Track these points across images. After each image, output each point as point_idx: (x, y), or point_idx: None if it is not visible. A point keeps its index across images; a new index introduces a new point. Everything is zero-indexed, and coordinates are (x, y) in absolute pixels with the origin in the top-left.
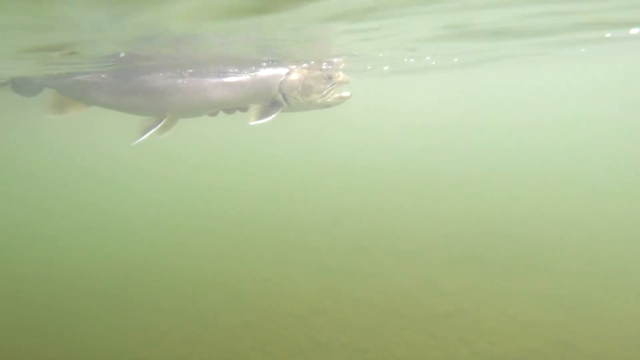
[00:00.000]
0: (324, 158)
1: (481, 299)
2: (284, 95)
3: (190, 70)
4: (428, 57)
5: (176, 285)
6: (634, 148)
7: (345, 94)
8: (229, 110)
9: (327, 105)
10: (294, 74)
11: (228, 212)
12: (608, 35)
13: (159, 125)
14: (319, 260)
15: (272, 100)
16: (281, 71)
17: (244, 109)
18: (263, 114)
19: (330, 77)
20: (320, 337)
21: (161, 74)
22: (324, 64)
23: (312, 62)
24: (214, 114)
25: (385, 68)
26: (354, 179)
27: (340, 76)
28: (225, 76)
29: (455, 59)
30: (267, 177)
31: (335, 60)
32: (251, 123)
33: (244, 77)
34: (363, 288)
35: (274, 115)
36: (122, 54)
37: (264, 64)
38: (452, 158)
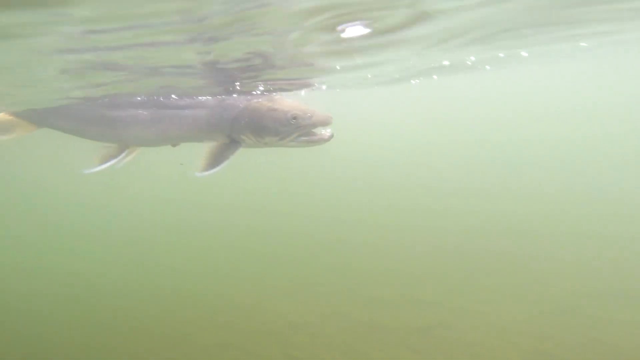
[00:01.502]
0: (304, 169)
1: (464, 309)
2: (237, 134)
3: (153, 99)
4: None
5: (145, 303)
6: (622, 153)
7: (325, 134)
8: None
9: (297, 146)
10: (249, 110)
11: (201, 225)
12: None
13: (121, 157)
14: (299, 273)
15: (229, 138)
16: (238, 104)
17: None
18: (215, 158)
19: (295, 118)
20: (299, 354)
21: (120, 104)
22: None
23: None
24: (174, 145)
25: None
26: (334, 192)
27: (314, 117)
28: (183, 109)
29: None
30: (242, 189)
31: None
32: (197, 174)
33: (199, 111)
34: (344, 301)
35: (227, 162)
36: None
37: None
38: (433, 170)
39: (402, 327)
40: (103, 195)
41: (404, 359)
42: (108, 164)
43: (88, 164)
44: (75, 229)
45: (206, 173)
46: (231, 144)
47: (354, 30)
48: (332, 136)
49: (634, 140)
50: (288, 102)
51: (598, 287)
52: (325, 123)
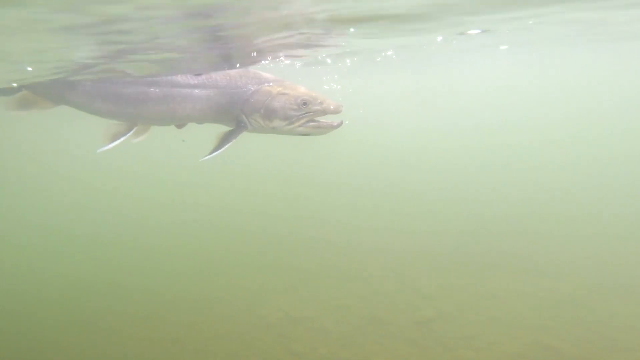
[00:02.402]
0: (301, 156)
1: (464, 302)
2: (246, 116)
3: (164, 77)
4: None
5: (142, 297)
6: (624, 148)
7: (334, 122)
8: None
9: (303, 134)
10: (260, 93)
11: (197, 221)
12: None
13: (130, 134)
14: (298, 265)
15: (236, 120)
16: (249, 87)
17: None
18: (219, 142)
19: (305, 103)
20: (298, 347)
21: (133, 80)
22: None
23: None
24: (180, 126)
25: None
26: (334, 186)
27: (324, 104)
28: (194, 88)
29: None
30: (239, 183)
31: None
32: (201, 159)
33: (210, 91)
34: (343, 294)
35: (228, 145)
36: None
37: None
38: (432, 161)
39: (401, 320)
40: (86, 195)
41: (403, 353)
42: (118, 142)
43: (99, 143)
44: (54, 228)
45: (207, 157)
46: (236, 127)
47: None
48: (341, 124)
49: (634, 137)
50: (300, 87)
51: (599, 281)
52: (335, 111)
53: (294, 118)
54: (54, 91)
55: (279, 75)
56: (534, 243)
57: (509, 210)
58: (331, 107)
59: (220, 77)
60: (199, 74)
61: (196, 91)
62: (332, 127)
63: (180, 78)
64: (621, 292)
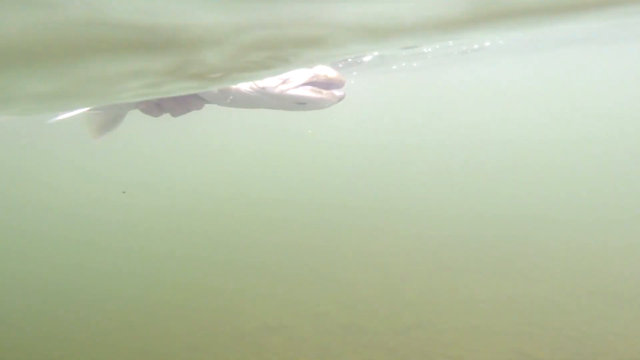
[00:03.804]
0: (282, 171)
1: (445, 308)
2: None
3: None
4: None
5: (110, 305)
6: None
7: (337, 92)
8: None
9: (299, 102)
10: None
11: (172, 223)
12: None
13: (121, 119)
14: (277, 270)
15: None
16: None
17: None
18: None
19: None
20: (273, 358)
21: None
22: None
23: None
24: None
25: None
26: (312, 191)
27: (327, 69)
28: None
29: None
30: (217, 187)
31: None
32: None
33: None
34: (323, 300)
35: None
36: None
37: None
38: (416, 164)
39: (380, 328)
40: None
41: None
42: (110, 130)
43: (90, 134)
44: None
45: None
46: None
47: None
48: (343, 97)
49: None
50: None
51: (578, 286)
52: (339, 81)
53: (291, 77)
54: None
55: None
56: (518, 247)
57: (493, 215)
58: (335, 75)
59: None
60: None
61: None
62: (333, 97)
63: None
64: (600, 297)
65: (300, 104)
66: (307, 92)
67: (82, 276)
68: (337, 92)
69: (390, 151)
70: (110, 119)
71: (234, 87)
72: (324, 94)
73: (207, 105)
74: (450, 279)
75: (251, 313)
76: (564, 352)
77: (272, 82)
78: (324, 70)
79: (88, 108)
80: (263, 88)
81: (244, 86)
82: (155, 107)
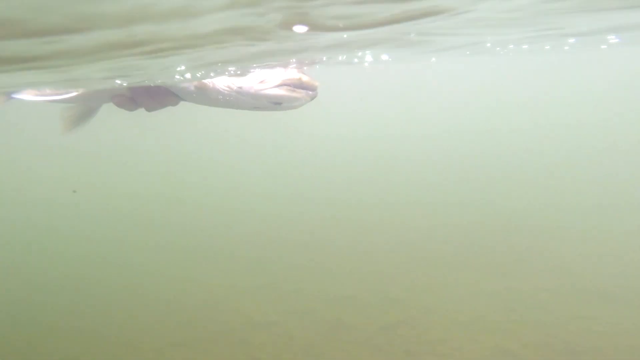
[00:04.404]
0: (270, 165)
1: (430, 305)
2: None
3: None
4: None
5: (94, 299)
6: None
7: (310, 92)
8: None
9: (274, 102)
10: None
11: (157, 218)
12: None
13: (94, 113)
14: (264, 265)
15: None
16: None
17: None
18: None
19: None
20: (261, 355)
21: None
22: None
23: None
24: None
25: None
26: (299, 188)
27: (300, 74)
28: None
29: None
30: (205, 183)
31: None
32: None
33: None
34: (310, 297)
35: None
36: None
37: None
38: (402, 162)
39: (367, 325)
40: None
41: (367, 358)
42: (82, 123)
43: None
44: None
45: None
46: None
47: None
48: (316, 95)
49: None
50: None
51: (562, 282)
52: (311, 85)
53: (266, 79)
54: None
55: None
56: (504, 246)
57: (480, 213)
58: (307, 78)
59: None
60: None
61: None
62: (307, 96)
63: None
64: (582, 294)
65: (275, 103)
66: (282, 91)
67: (61, 267)
68: (311, 92)
69: (376, 148)
70: (82, 112)
71: (210, 84)
72: (298, 92)
73: (182, 102)
74: (437, 274)
75: (238, 309)
76: (548, 349)
77: (248, 82)
78: (297, 74)
79: (45, 97)
80: (240, 87)
81: (221, 84)
82: (129, 101)
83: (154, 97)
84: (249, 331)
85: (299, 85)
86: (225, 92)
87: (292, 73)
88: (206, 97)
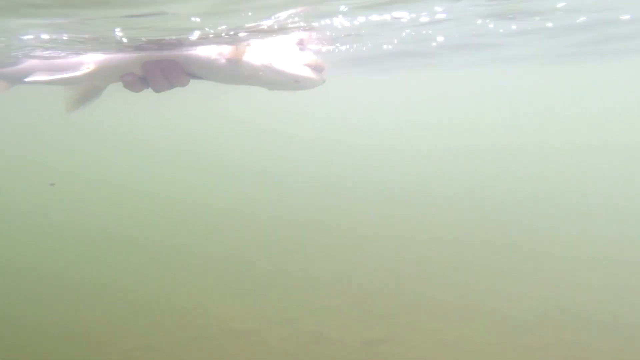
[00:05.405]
0: (256, 167)
1: (415, 322)
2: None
3: None
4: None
5: (60, 297)
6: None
7: (324, 75)
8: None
9: (295, 80)
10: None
11: (133, 217)
12: None
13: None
14: (246, 270)
15: None
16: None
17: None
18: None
19: (302, 42)
20: None
21: None
22: None
23: None
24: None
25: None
26: (284, 190)
27: (315, 56)
28: None
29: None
30: (186, 184)
31: None
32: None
33: None
34: (291, 306)
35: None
36: None
37: None
38: (394, 175)
39: (348, 339)
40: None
41: None
42: (87, 103)
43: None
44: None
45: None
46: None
47: None
48: (324, 82)
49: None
50: None
51: (551, 305)
52: (322, 66)
53: (294, 57)
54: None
55: None
56: (494, 263)
57: (474, 228)
58: (320, 60)
59: None
60: None
61: None
62: (321, 80)
63: None
64: (572, 318)
65: (297, 81)
66: (308, 72)
67: (31, 261)
68: (324, 76)
69: (369, 157)
70: (87, 92)
71: (244, 58)
72: (316, 74)
73: (192, 82)
74: (425, 290)
75: (216, 314)
76: None
77: (279, 58)
78: (314, 55)
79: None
80: (270, 63)
81: (254, 58)
82: (139, 81)
83: (167, 75)
84: (226, 338)
85: (317, 68)
86: (257, 66)
87: (311, 54)
88: (232, 71)
